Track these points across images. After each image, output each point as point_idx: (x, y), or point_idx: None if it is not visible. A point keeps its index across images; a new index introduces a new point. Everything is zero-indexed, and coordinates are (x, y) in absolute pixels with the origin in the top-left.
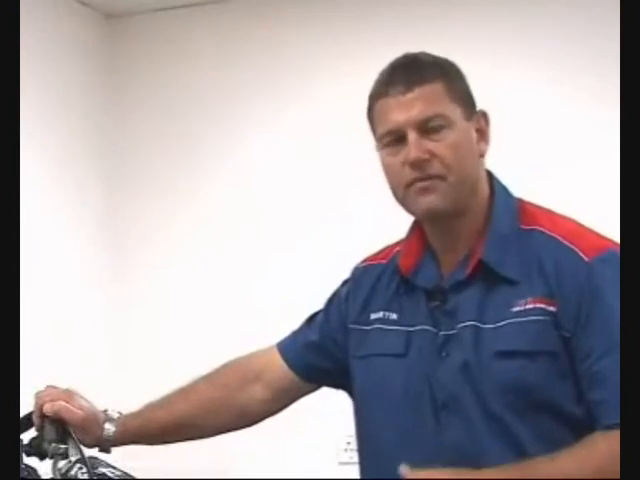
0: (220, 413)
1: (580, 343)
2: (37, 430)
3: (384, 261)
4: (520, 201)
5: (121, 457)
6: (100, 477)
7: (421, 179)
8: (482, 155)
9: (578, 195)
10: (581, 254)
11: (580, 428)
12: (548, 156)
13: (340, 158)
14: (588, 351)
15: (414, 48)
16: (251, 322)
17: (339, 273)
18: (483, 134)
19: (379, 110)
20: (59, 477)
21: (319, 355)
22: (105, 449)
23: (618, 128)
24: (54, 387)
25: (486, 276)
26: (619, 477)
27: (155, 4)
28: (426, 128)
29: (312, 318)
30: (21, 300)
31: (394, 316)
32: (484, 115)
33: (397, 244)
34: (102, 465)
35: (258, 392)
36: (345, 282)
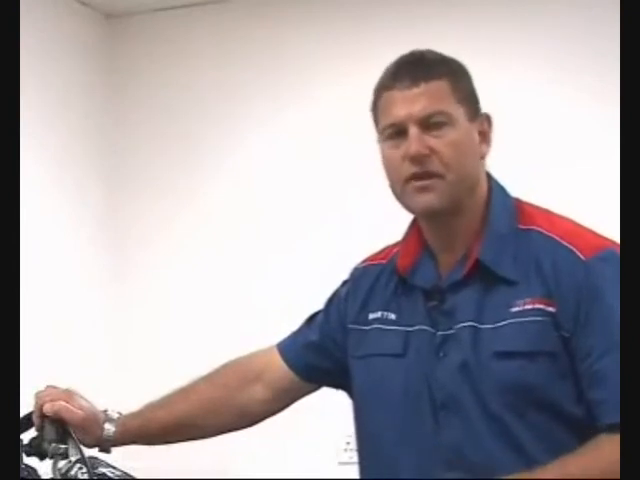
0: (220, 413)
1: (580, 343)
2: (37, 430)
3: (384, 261)
4: (518, 201)
5: (121, 457)
6: (100, 477)
7: (420, 176)
8: (483, 157)
9: (578, 195)
10: (579, 253)
11: (580, 428)
12: (548, 156)
13: (340, 158)
14: (588, 350)
15: (414, 48)
16: (251, 322)
17: (339, 273)
18: (485, 136)
19: (384, 103)
20: (59, 477)
21: (319, 355)
22: (105, 449)
23: (618, 128)
24: (54, 387)
25: (484, 276)
26: None
27: (155, 4)
28: (428, 124)
29: (312, 318)
30: (21, 300)
31: (393, 316)
32: (487, 118)
33: (397, 244)
34: (102, 465)
35: (258, 392)
36: (345, 282)
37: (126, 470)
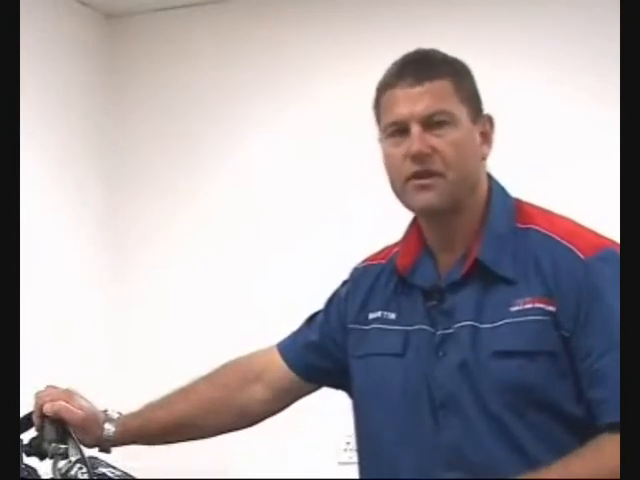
0: (220, 413)
1: (580, 342)
2: (37, 430)
3: (383, 261)
4: (517, 201)
5: (121, 457)
6: (100, 477)
7: (420, 175)
8: (484, 158)
9: (578, 195)
10: (578, 253)
11: (580, 427)
12: (548, 156)
13: (340, 158)
14: (588, 350)
15: (414, 48)
16: (251, 322)
17: (339, 273)
18: (487, 137)
19: (386, 101)
20: (59, 477)
21: (319, 355)
22: (105, 449)
23: (618, 128)
24: (54, 387)
25: (483, 275)
26: None
27: (155, 4)
28: (430, 123)
29: (312, 318)
30: (21, 300)
31: (392, 316)
32: (490, 119)
33: (397, 244)
34: (102, 465)
35: (258, 392)
36: (345, 282)
37: (126, 470)
